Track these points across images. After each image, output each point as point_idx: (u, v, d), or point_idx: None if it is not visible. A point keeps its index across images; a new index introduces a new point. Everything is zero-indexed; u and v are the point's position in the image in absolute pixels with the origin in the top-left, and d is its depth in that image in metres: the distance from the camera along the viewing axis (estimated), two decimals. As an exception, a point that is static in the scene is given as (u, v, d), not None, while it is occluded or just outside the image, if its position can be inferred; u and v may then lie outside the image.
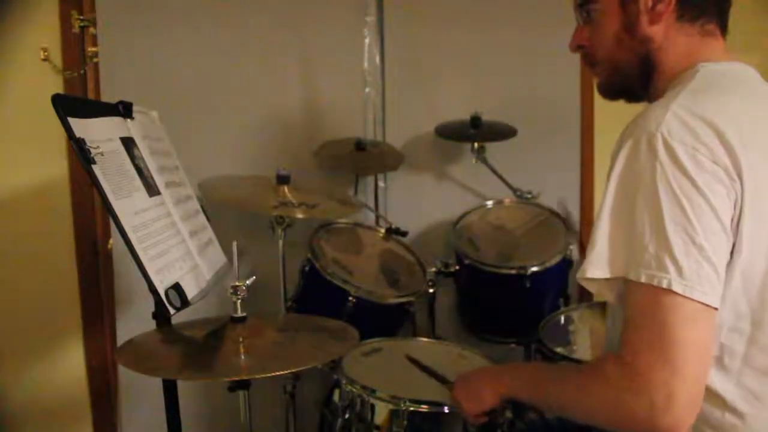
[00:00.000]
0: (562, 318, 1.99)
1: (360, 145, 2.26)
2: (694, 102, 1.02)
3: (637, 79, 1.17)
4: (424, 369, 1.59)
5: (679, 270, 0.94)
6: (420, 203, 2.52)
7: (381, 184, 2.46)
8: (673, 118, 0.99)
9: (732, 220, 0.98)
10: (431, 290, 2.13)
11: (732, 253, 0.98)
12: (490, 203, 2.42)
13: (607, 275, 1.01)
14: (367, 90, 2.41)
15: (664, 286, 0.94)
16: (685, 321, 0.94)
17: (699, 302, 0.94)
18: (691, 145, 0.96)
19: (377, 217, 2.42)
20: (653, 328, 0.96)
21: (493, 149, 2.37)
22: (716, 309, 0.97)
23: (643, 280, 0.96)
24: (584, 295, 2.29)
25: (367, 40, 2.39)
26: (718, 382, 1.03)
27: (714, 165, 0.96)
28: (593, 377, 1.04)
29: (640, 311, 0.98)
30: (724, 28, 1.16)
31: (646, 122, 1.00)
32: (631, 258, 0.98)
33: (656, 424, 0.95)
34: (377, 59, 2.40)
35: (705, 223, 0.95)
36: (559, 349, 1.77)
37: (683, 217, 0.95)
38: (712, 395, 1.03)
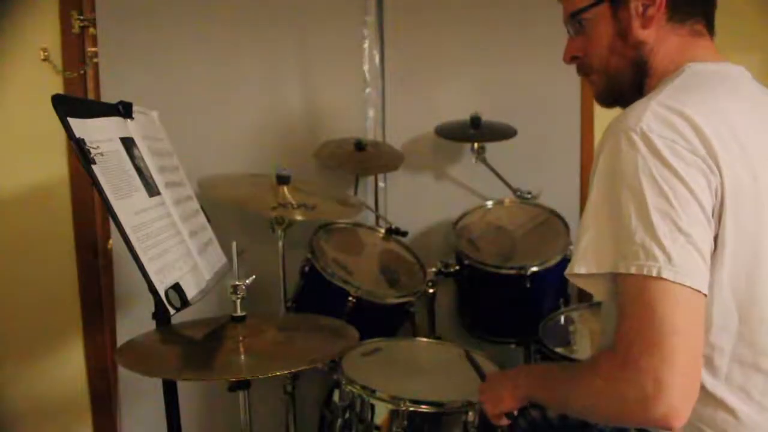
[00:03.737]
0: (562, 318, 1.99)
1: (360, 145, 2.26)
2: (673, 98, 1.03)
3: (631, 84, 1.18)
4: (476, 367, 1.54)
5: (668, 257, 0.95)
6: (420, 203, 2.51)
7: (381, 184, 2.46)
8: (652, 114, 1.00)
9: (713, 210, 0.98)
10: (431, 290, 2.13)
11: (716, 245, 0.99)
12: (490, 203, 2.42)
13: (593, 270, 1.01)
14: (367, 90, 2.41)
15: (654, 274, 0.95)
16: (676, 307, 0.95)
17: (689, 287, 0.95)
18: (670, 138, 0.98)
19: (377, 217, 2.42)
20: (643, 317, 0.96)
21: (493, 149, 2.37)
22: (705, 295, 0.97)
23: (633, 271, 0.97)
24: (584, 295, 2.29)
25: (367, 40, 2.39)
26: (709, 380, 1.04)
27: (693, 156, 0.97)
28: (589, 372, 1.05)
29: (630, 302, 0.98)
30: (711, 28, 1.17)
31: (627, 119, 1.02)
32: (619, 251, 0.99)
33: (649, 413, 0.95)
34: (377, 59, 2.40)
35: (689, 211, 0.96)
36: (559, 349, 1.77)
37: (668, 205, 0.96)
38: (704, 394, 1.03)
